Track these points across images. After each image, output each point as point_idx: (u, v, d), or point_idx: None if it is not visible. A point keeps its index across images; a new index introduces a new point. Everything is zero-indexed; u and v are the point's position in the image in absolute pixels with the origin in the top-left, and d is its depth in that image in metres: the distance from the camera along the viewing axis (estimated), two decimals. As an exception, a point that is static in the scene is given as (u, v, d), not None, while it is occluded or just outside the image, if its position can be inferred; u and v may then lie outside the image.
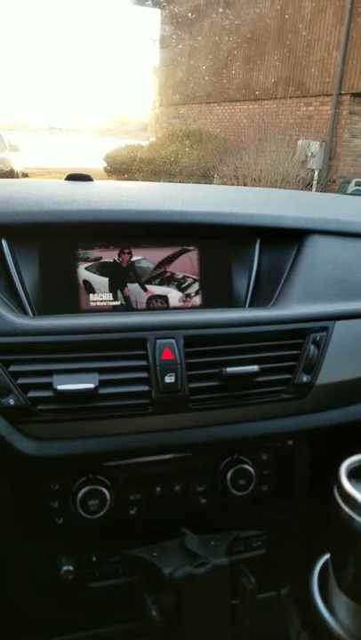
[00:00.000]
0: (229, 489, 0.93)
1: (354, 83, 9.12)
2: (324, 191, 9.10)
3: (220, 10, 11.77)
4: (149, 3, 14.37)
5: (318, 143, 9.44)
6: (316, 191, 8.92)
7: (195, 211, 0.95)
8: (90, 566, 0.95)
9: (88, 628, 1.03)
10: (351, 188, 8.81)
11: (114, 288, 0.92)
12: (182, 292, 0.96)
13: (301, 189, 8.13)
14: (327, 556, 0.76)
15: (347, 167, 9.56)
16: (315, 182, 9.32)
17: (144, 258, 0.94)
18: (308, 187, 8.98)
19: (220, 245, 0.98)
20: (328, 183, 9.51)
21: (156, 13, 14.51)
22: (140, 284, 0.94)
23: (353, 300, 0.96)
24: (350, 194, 8.30)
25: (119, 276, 0.92)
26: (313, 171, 9.39)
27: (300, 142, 9.66)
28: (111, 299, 0.92)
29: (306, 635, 1.09)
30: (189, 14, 12.65)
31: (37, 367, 0.78)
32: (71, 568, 0.91)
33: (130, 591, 0.94)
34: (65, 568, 0.91)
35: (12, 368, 0.77)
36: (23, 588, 0.96)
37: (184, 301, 0.96)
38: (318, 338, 0.90)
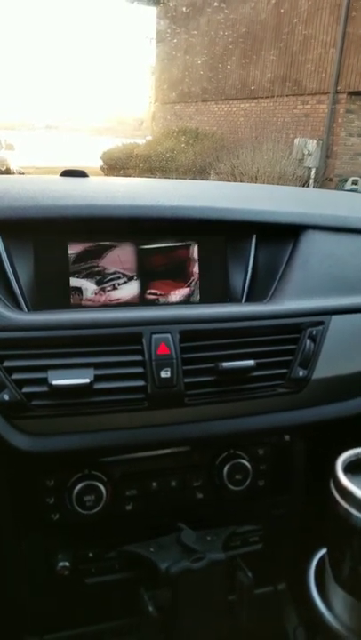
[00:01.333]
0: (226, 484, 0.93)
1: (350, 81, 9.11)
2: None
3: (216, 4, 11.72)
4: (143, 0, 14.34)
5: (315, 141, 9.43)
6: (313, 189, 8.92)
7: (191, 206, 0.94)
8: (86, 562, 0.94)
9: (85, 624, 1.03)
10: (348, 186, 8.81)
11: None
12: (178, 287, 0.95)
13: (298, 187, 8.12)
14: (324, 551, 0.76)
15: (343, 166, 9.55)
16: (312, 181, 9.32)
17: (140, 254, 0.93)
18: (304, 185, 8.98)
19: (217, 241, 0.98)
20: (325, 182, 9.50)
21: (152, 12, 14.50)
22: (135, 280, 0.93)
23: (349, 295, 0.96)
24: (347, 192, 8.31)
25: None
26: (310, 169, 9.39)
27: (296, 140, 9.64)
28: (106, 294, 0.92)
29: (303, 630, 1.09)
30: (185, 8, 12.60)
31: (32, 362, 0.78)
32: (67, 564, 0.91)
33: (126, 587, 0.94)
34: (61, 564, 0.91)
35: (7, 363, 0.77)
36: (23, 587, 0.96)
37: (180, 296, 0.96)
38: (314, 332, 0.90)
